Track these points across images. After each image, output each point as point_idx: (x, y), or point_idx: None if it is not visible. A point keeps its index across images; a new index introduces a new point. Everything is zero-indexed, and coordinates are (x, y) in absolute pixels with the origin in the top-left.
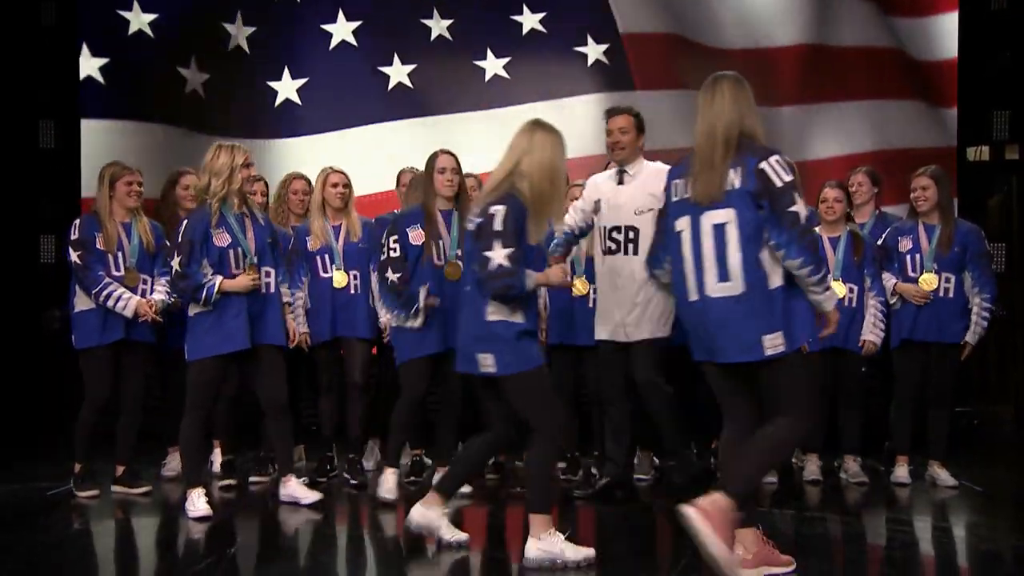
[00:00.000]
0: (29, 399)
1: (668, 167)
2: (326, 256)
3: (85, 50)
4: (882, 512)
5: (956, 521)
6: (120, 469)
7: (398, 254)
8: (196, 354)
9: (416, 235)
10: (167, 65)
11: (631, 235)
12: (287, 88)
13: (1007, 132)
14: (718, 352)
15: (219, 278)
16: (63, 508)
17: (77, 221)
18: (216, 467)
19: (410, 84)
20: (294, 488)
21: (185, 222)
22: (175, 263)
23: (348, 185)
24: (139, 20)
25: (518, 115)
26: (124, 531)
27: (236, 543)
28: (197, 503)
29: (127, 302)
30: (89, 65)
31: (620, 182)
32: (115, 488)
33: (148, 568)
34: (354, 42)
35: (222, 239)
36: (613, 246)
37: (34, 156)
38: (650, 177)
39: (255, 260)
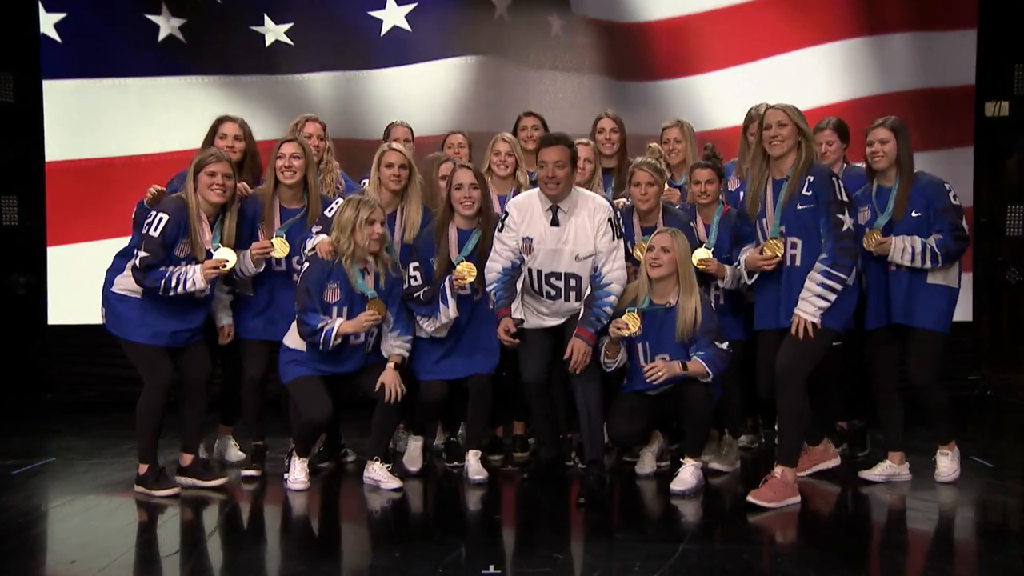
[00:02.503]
0: None
1: (604, 201)
2: None
3: (40, 7)
4: (886, 489)
5: (963, 498)
6: (189, 458)
7: (419, 282)
8: (287, 377)
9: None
10: (135, 13)
11: (572, 283)
12: (273, 32)
13: None
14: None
15: (339, 321)
16: (28, 488)
17: (165, 217)
18: (231, 455)
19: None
20: (377, 471)
21: (307, 266)
22: (296, 307)
23: (406, 166)
24: None
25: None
26: (87, 514)
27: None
28: (297, 474)
29: (194, 279)
30: (45, 21)
31: (555, 221)
32: (180, 479)
33: (109, 552)
34: None
35: (332, 295)
36: (552, 291)
37: None
38: (588, 217)
39: (375, 294)
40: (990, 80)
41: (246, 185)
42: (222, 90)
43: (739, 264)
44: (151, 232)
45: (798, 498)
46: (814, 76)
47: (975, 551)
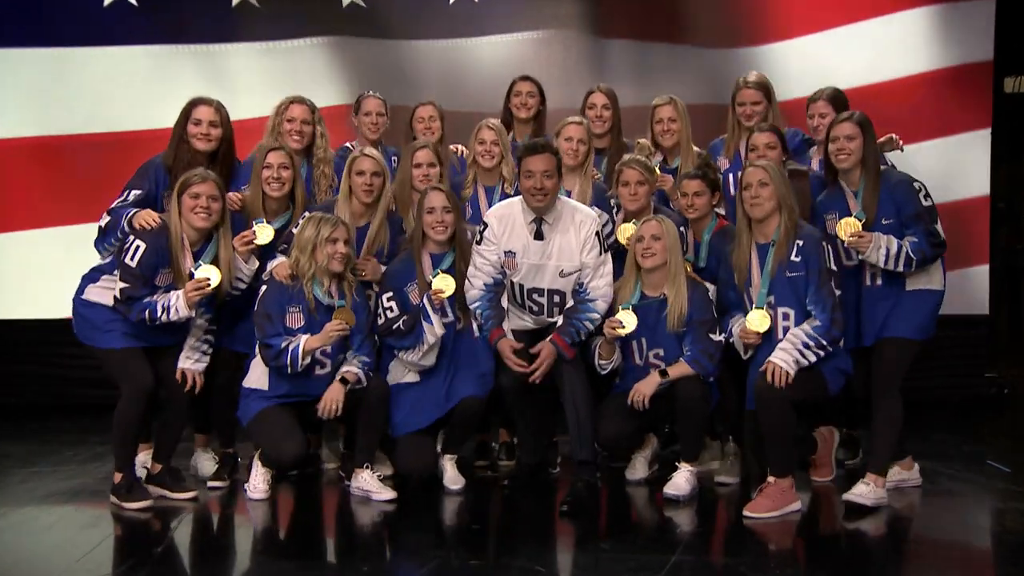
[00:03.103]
0: None
1: (590, 211)
2: None
3: None
4: (896, 496)
5: (977, 505)
6: (158, 467)
7: (396, 313)
8: (248, 415)
9: (415, 294)
10: None
11: (556, 299)
12: None
13: None
14: None
15: (304, 338)
16: None
17: (141, 245)
18: (206, 469)
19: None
20: (366, 481)
21: (264, 290)
22: (257, 334)
23: (379, 173)
24: None
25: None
26: (24, 528)
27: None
28: (257, 482)
29: (177, 307)
30: None
31: (539, 235)
32: (150, 487)
33: (47, 571)
34: None
35: (295, 320)
36: (535, 307)
37: None
38: (573, 231)
39: (342, 303)
40: (1010, 54)
41: (237, 195)
42: (181, 60)
43: (730, 336)
44: (127, 260)
45: (798, 504)
46: (818, 64)
47: (990, 561)
